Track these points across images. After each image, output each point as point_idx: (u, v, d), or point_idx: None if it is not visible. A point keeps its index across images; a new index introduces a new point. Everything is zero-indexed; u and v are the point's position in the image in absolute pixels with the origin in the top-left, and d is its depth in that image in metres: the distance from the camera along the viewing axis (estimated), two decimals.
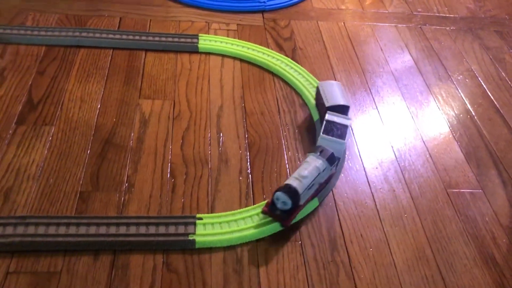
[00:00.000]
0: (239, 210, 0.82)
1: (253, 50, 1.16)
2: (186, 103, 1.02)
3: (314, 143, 0.96)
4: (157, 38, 1.15)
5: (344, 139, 0.89)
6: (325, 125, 0.90)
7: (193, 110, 1.00)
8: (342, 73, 1.15)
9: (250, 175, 0.89)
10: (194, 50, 1.15)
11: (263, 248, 0.78)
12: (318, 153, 0.83)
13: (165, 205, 0.82)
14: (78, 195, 0.81)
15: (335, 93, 0.97)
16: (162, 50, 1.14)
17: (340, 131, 0.89)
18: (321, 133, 0.89)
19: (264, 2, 1.32)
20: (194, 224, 0.78)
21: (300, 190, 0.77)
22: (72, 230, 0.75)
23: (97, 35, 1.13)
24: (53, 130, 0.92)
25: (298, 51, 1.19)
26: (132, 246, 0.75)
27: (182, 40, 1.16)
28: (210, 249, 0.77)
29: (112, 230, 0.76)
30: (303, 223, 0.82)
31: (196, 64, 1.12)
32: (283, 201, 0.77)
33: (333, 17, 1.35)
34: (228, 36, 1.20)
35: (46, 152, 0.88)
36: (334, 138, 0.88)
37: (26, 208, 0.78)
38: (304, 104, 1.05)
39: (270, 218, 0.80)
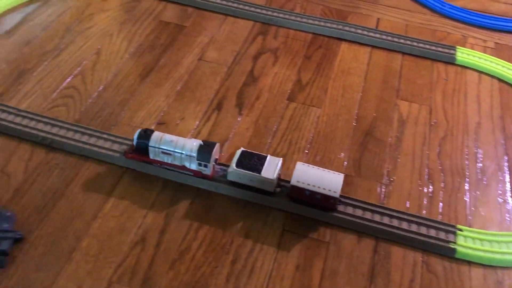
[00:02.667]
0: (502, 233, 0.80)
1: None
2: (443, 112, 1.02)
3: None
4: (414, 43, 1.16)
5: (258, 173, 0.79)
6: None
7: (449, 120, 1.00)
8: None
9: None
10: (450, 61, 1.14)
11: None
12: (210, 144, 0.80)
13: (423, 207, 0.83)
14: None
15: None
16: (418, 55, 1.15)
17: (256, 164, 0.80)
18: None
19: None
20: (455, 233, 0.79)
21: (151, 141, 0.80)
22: (340, 207, 0.81)
23: (359, 31, 1.19)
24: (319, 112, 0.99)
25: None
26: (394, 237, 0.78)
27: (440, 49, 1.16)
28: (468, 262, 0.76)
29: (376, 217, 0.80)
30: None
31: (452, 76, 1.11)
32: (135, 136, 0.82)
33: None
34: (485, 53, 1.17)
35: (313, 130, 0.95)
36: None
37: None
38: None
39: None
